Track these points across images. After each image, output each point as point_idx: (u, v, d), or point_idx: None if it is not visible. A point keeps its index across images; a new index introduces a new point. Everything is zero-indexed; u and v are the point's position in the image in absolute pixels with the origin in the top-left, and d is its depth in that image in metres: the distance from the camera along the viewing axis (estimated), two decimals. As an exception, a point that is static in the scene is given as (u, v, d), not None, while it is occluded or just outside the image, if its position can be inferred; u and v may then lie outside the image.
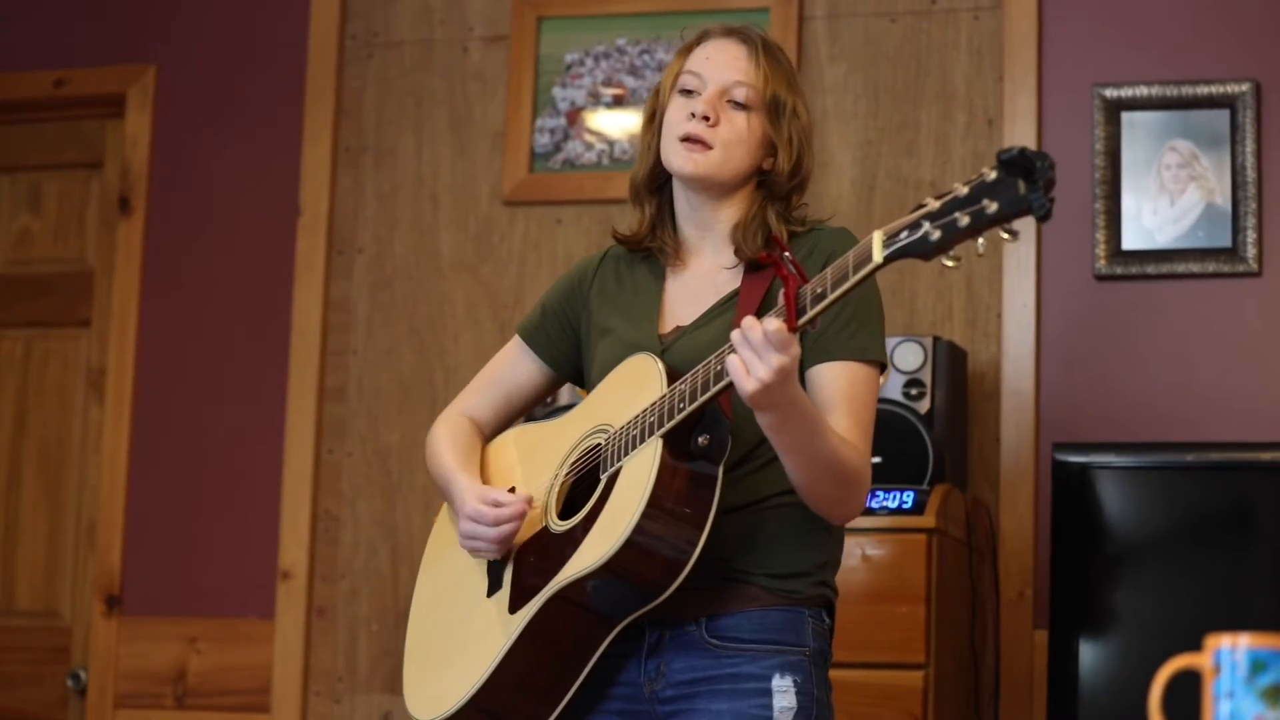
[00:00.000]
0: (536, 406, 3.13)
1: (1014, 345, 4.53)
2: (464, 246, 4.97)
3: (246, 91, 5.22)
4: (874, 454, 4.13)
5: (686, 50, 2.92)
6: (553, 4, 4.98)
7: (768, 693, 2.73)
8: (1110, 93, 4.55)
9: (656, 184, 2.95)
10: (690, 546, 2.62)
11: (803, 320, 2.49)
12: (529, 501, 2.83)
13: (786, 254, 2.53)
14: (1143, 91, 4.54)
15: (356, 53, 5.14)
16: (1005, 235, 2.36)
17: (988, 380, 4.54)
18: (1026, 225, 4.56)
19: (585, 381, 3.01)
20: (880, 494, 4.07)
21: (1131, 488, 4.08)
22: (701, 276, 2.91)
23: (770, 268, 2.77)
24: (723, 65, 2.87)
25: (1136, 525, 4.08)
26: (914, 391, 4.22)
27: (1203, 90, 4.51)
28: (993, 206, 2.32)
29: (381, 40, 5.13)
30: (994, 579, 4.41)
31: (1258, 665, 1.73)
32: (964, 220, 2.34)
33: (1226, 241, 4.45)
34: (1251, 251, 4.43)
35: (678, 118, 2.86)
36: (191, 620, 5.04)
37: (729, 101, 2.86)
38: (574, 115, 4.91)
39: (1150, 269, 4.49)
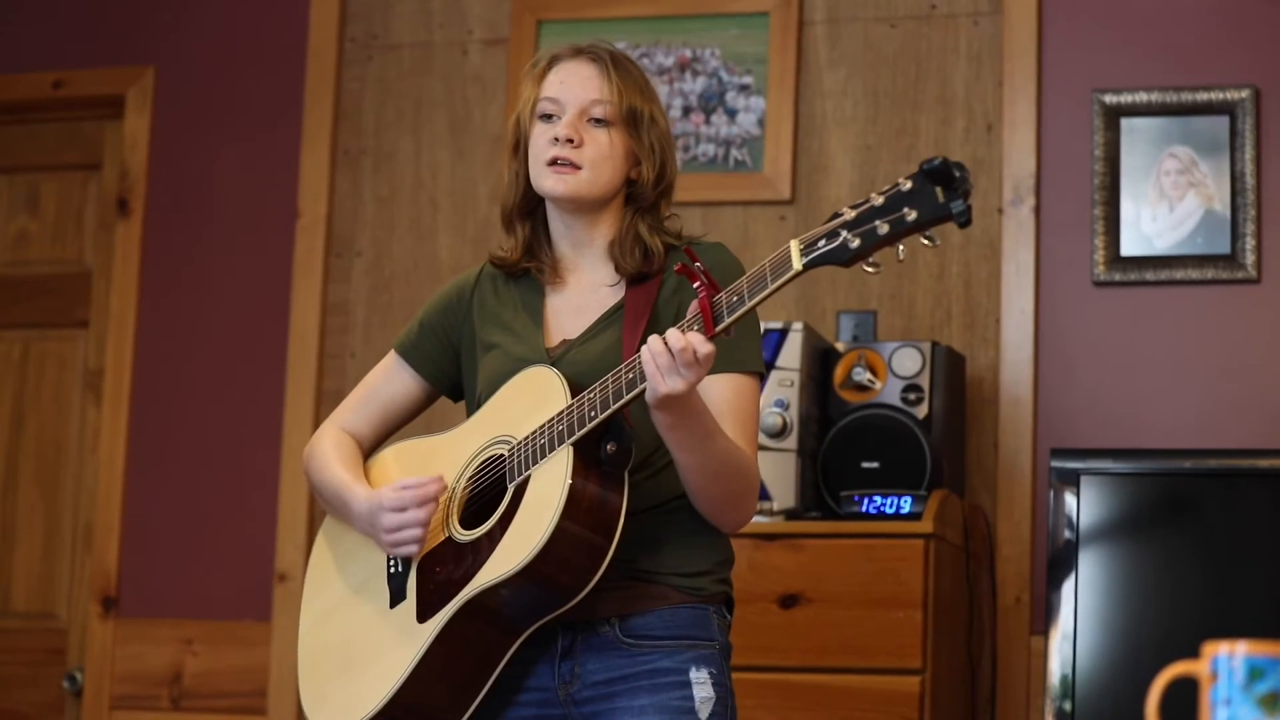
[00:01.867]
0: (411, 421, 3.15)
1: (1012, 351, 4.53)
2: (462, 250, 4.97)
3: (245, 93, 5.22)
4: (872, 459, 4.20)
5: (539, 77, 2.98)
6: (552, 7, 4.98)
7: (687, 684, 2.80)
8: (1110, 98, 4.55)
9: (528, 209, 3.01)
10: (603, 550, 2.69)
11: (720, 327, 2.58)
12: (440, 490, 2.85)
13: (698, 264, 2.61)
14: (1142, 97, 4.54)
15: (356, 55, 5.14)
16: (925, 241, 2.45)
17: (986, 386, 4.54)
18: (1026, 233, 4.56)
19: (465, 396, 3.05)
20: (878, 499, 4.07)
21: (1129, 494, 4.08)
22: (582, 292, 2.97)
23: (653, 280, 2.89)
24: (577, 86, 2.93)
25: (1134, 531, 4.07)
26: (912, 396, 4.22)
27: (1202, 96, 4.51)
28: (912, 214, 2.42)
29: (381, 43, 5.13)
30: (991, 584, 4.41)
31: (1255, 673, 1.72)
32: (883, 228, 2.44)
33: (1225, 248, 4.45)
34: (1250, 258, 4.43)
35: (542, 143, 2.92)
36: (188, 622, 5.04)
37: (589, 120, 2.92)
38: (573, 119, 4.91)
39: (1149, 275, 4.49)
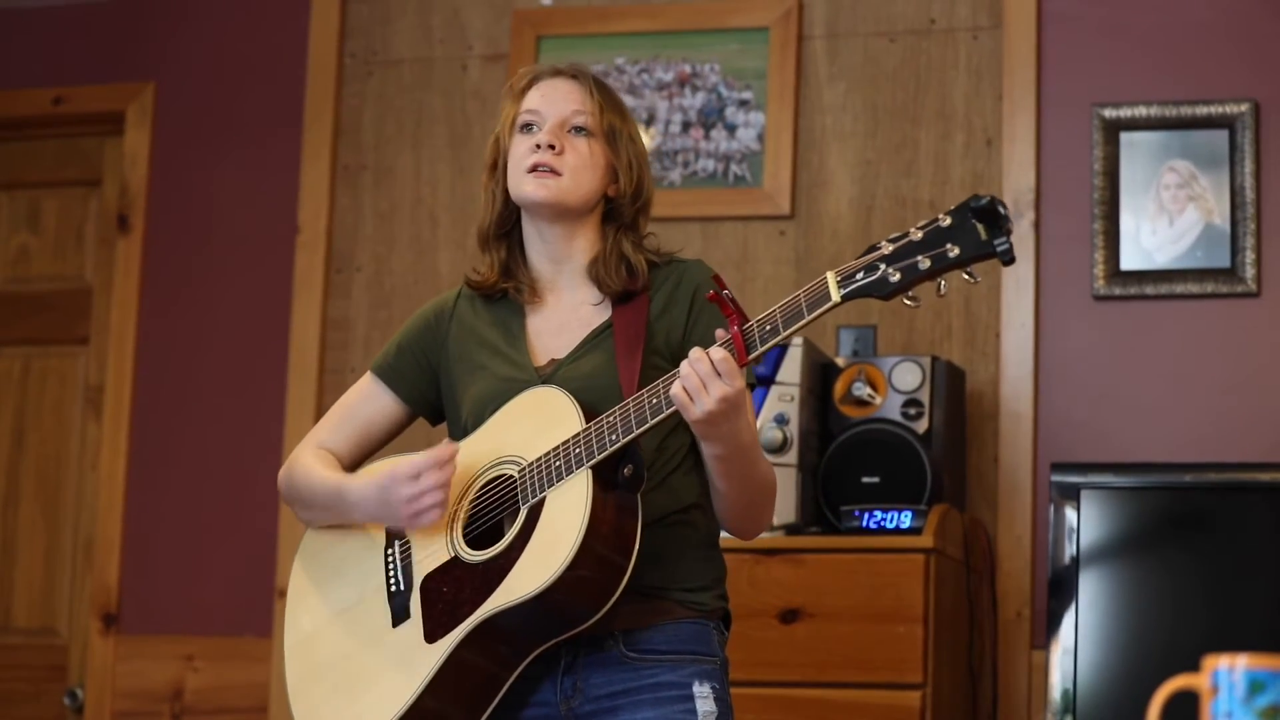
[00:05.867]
0: (388, 444, 3.13)
1: (1012, 365, 4.53)
2: (462, 265, 4.96)
3: (245, 109, 5.23)
4: (872, 474, 4.20)
5: (519, 94, 3.02)
6: (552, 23, 4.99)
7: (690, 698, 2.80)
8: (1109, 112, 4.55)
9: (504, 229, 3.04)
10: (621, 572, 2.69)
11: (753, 356, 2.61)
12: (453, 447, 2.82)
13: (726, 292, 2.63)
14: (1142, 111, 4.54)
15: (356, 71, 5.14)
16: (967, 277, 2.50)
17: (986, 400, 4.54)
18: (1026, 247, 4.56)
19: (448, 417, 3.03)
20: (878, 513, 4.07)
21: (1130, 508, 4.08)
22: (563, 311, 2.98)
23: (640, 298, 2.90)
24: (559, 100, 2.97)
25: (1134, 546, 4.07)
26: (912, 411, 4.22)
27: (1202, 110, 4.51)
28: (954, 251, 2.47)
29: (381, 58, 5.13)
30: (992, 599, 4.41)
31: (1256, 686, 1.72)
32: (925, 264, 2.48)
33: (1225, 262, 4.46)
34: (1250, 272, 4.44)
35: (522, 152, 2.96)
36: (189, 638, 5.04)
37: (570, 130, 2.95)
38: (573, 134, 4.92)
39: (1149, 289, 4.49)
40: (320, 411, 5.00)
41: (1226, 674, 1.74)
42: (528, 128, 2.97)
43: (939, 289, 2.51)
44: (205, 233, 5.21)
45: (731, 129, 4.82)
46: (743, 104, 4.83)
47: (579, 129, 2.95)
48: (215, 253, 5.19)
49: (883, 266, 2.50)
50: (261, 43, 5.25)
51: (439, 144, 5.05)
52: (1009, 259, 2.44)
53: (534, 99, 2.98)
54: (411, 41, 5.12)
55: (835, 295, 2.53)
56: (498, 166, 3.03)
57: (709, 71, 4.87)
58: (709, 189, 4.79)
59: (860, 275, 2.52)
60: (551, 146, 2.92)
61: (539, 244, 3.00)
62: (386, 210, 5.07)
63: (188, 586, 5.07)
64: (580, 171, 2.93)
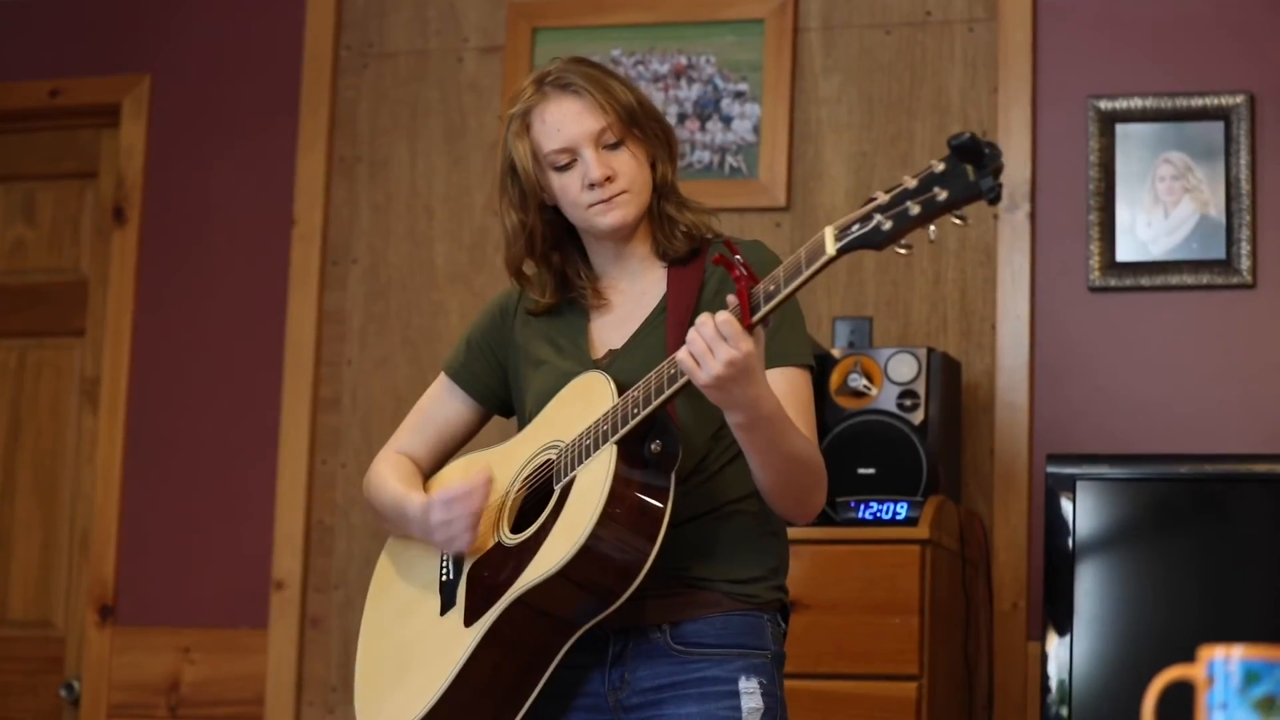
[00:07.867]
0: (468, 442, 3.15)
1: (1008, 357, 4.53)
2: (458, 257, 4.97)
3: (241, 101, 5.22)
4: (868, 465, 4.20)
5: (523, 131, 2.96)
6: (547, 15, 4.99)
7: (735, 694, 2.79)
8: (1105, 104, 4.56)
9: (545, 250, 3.00)
10: (645, 553, 2.68)
11: (757, 317, 2.57)
12: (487, 481, 2.86)
13: (738, 256, 2.60)
14: (1137, 103, 4.54)
15: (351, 63, 5.14)
16: (956, 220, 2.45)
17: (982, 391, 4.54)
18: (1022, 239, 4.56)
19: (516, 413, 3.05)
20: (874, 505, 4.07)
21: (1125, 499, 4.08)
22: (624, 305, 2.98)
23: (696, 266, 2.91)
24: (575, 126, 2.92)
25: (1130, 537, 4.08)
26: (908, 403, 4.22)
27: (1197, 102, 4.51)
28: (943, 194, 2.42)
29: (376, 51, 5.13)
30: (987, 590, 4.41)
31: (1251, 676, 1.73)
32: (915, 209, 2.44)
33: (1220, 254, 4.46)
34: (1245, 264, 4.44)
35: (576, 192, 2.92)
36: (185, 630, 5.04)
37: (604, 149, 2.92)
38: (569, 126, 4.91)
39: (1144, 281, 4.50)
40: (316, 404, 5.01)
41: (1222, 664, 1.74)
42: (563, 168, 2.92)
43: (930, 234, 2.47)
44: (201, 225, 5.20)
45: (727, 121, 4.82)
46: (738, 96, 4.83)
47: (611, 146, 2.91)
48: (211, 245, 5.19)
49: (877, 217, 2.46)
50: (257, 35, 5.25)
51: (434, 136, 5.05)
52: (995, 198, 2.39)
53: (549, 136, 2.93)
54: (407, 34, 5.12)
55: (831, 249, 2.49)
56: (527, 199, 2.97)
57: (704, 63, 4.87)
58: (704, 181, 4.79)
59: (856, 227, 2.48)
60: (608, 179, 2.89)
61: (599, 249, 3.00)
62: (382, 202, 5.07)
63: (184, 579, 5.07)
64: (636, 179, 2.92)
